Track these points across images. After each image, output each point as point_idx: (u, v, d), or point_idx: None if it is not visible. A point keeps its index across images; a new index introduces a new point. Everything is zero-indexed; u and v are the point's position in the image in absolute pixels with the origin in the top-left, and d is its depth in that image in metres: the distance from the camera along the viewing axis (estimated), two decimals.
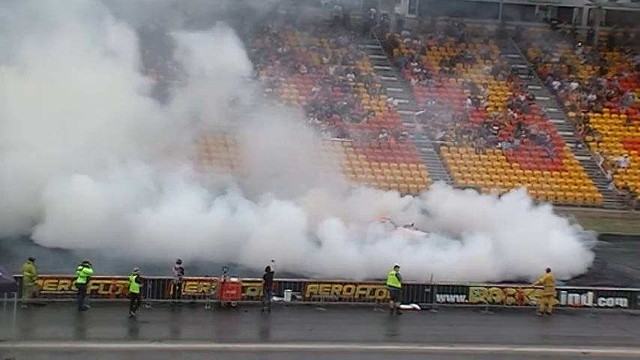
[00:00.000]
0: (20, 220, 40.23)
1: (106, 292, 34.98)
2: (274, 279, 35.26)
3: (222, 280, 35.12)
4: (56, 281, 34.68)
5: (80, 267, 33.90)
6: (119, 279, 35.08)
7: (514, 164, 55.56)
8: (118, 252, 36.82)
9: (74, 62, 43.83)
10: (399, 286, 35.61)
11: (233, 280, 35.31)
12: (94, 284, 34.60)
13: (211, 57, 45.25)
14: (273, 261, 35.18)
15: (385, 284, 35.94)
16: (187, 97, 46.28)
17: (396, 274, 35.57)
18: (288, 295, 36.14)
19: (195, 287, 35.56)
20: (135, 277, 33.67)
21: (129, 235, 38.45)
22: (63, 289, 34.52)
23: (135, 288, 33.61)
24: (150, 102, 45.41)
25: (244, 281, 35.71)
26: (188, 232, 38.18)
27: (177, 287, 35.22)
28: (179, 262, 35.22)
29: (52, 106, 43.18)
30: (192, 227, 38.62)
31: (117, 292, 34.96)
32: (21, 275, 33.00)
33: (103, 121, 42.96)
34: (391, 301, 35.67)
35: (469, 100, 60.41)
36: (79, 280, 33.81)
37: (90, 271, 33.84)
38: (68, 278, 34.44)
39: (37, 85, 43.71)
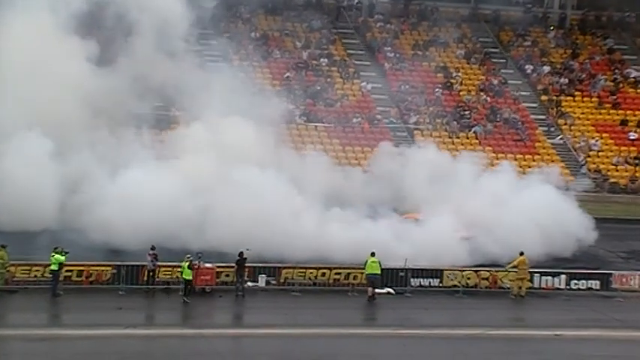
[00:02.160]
0: None
1: (79, 279, 34.80)
2: (247, 264, 35.24)
3: (197, 265, 35.03)
4: (29, 268, 34.46)
5: (52, 253, 33.71)
6: (93, 265, 34.98)
7: (487, 148, 55.64)
8: (72, 233, 36.43)
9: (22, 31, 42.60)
10: (380, 272, 35.58)
11: (207, 265, 35.24)
12: (68, 271, 34.39)
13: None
14: (248, 249, 35.11)
15: (364, 271, 35.76)
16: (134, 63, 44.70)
17: (378, 261, 35.50)
18: (262, 280, 36.13)
19: (169, 273, 35.47)
20: (187, 263, 34.06)
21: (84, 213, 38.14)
22: (36, 276, 34.34)
23: (188, 274, 34.02)
24: (100, 71, 44.16)
25: (218, 267, 35.66)
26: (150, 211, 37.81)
27: (151, 273, 35.14)
28: (153, 248, 35.11)
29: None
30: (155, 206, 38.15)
31: (91, 279, 34.84)
32: None
33: (54, 90, 41.90)
34: (370, 288, 35.53)
35: (442, 85, 60.48)
36: (52, 267, 33.66)
37: (62, 258, 33.66)
38: (41, 265, 34.23)
39: None
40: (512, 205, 41.43)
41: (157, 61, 45.13)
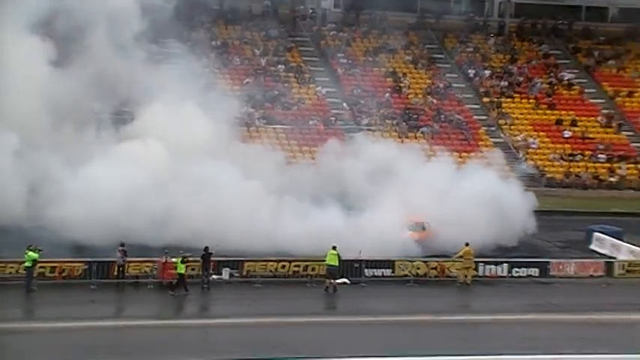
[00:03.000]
0: None
1: (52, 275, 34.41)
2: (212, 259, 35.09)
3: (164, 260, 34.81)
4: (4, 265, 34.00)
5: (26, 251, 33.30)
6: (65, 262, 34.63)
7: (434, 147, 55.91)
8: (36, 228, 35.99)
9: None
10: (337, 264, 35.52)
11: (173, 260, 35.02)
12: (41, 267, 33.99)
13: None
14: (217, 245, 34.92)
15: (325, 262, 35.61)
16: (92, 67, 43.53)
17: (337, 254, 35.44)
18: (226, 273, 35.96)
19: (138, 268, 35.20)
20: (181, 259, 34.02)
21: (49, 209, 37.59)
22: (11, 272, 33.88)
23: (181, 269, 33.91)
24: (60, 71, 42.99)
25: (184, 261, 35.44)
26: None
27: (120, 268, 34.86)
28: (122, 245, 34.86)
29: None
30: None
31: (63, 274, 34.48)
32: None
33: (15, 92, 40.84)
34: (327, 280, 35.43)
35: (391, 88, 60.68)
36: (26, 264, 33.27)
37: (35, 255, 33.30)
38: (16, 262, 33.77)
39: None
40: (457, 191, 41.32)
41: (113, 60, 43.89)
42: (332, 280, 35.47)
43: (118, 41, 44.12)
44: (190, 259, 35.19)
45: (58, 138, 41.76)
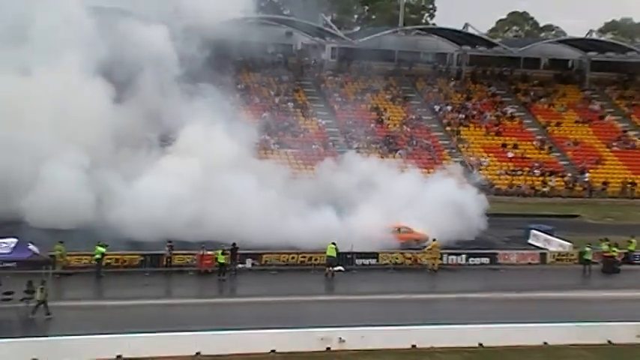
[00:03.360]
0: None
1: (116, 264, 34.41)
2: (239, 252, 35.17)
3: (201, 253, 34.88)
4: (80, 257, 34.09)
5: (96, 246, 33.45)
6: (126, 254, 34.66)
7: (409, 165, 55.98)
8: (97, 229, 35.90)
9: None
10: (335, 255, 35.50)
11: (209, 253, 35.09)
12: (108, 259, 34.13)
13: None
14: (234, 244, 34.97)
15: (326, 254, 35.46)
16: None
17: (335, 247, 35.37)
18: (249, 262, 35.98)
19: (182, 259, 35.26)
20: (221, 251, 33.74)
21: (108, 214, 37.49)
22: (85, 263, 33.96)
23: (222, 258, 33.68)
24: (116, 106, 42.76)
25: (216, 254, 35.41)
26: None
27: (168, 259, 34.93)
28: (170, 241, 34.93)
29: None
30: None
31: (124, 264, 34.50)
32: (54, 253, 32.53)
33: (88, 124, 40.49)
34: (328, 268, 35.35)
35: (375, 120, 60.85)
36: (96, 256, 33.39)
37: (102, 249, 33.39)
38: (89, 255, 33.87)
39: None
40: (425, 196, 41.19)
41: (159, 98, 43.67)
42: (330, 268, 35.51)
43: (163, 83, 43.92)
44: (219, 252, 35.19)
45: (118, 158, 41.79)
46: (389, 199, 40.54)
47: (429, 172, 52.96)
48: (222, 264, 34.11)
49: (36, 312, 27.72)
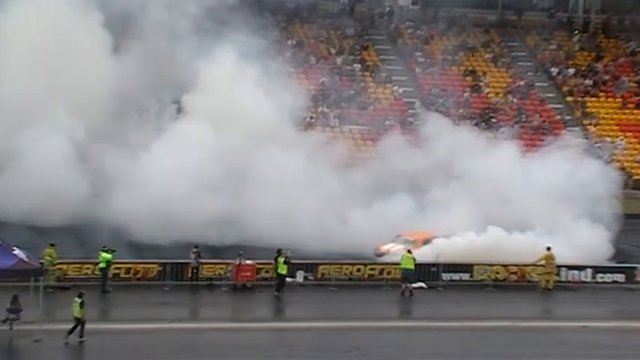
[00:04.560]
0: None
1: (127, 276, 35.02)
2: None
3: (238, 262, 35.18)
4: (80, 266, 34.75)
5: (100, 252, 34.01)
6: (140, 263, 35.26)
7: (513, 146, 55.14)
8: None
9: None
10: (413, 268, 35.47)
11: (248, 262, 35.35)
12: (116, 268, 34.69)
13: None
14: (291, 251, 35.14)
15: (400, 266, 35.48)
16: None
17: (413, 257, 35.36)
18: (300, 276, 36.16)
19: (212, 270, 35.63)
20: (284, 259, 34.09)
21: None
22: (87, 274, 34.60)
23: (283, 269, 34.00)
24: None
25: (259, 263, 35.73)
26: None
27: (194, 270, 35.34)
28: (196, 247, 35.31)
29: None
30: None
31: (137, 276, 35.07)
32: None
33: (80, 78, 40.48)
34: (404, 284, 35.29)
35: (470, 87, 60.31)
36: (101, 265, 33.97)
37: (109, 256, 33.97)
38: (92, 263, 34.53)
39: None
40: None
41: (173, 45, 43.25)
42: (407, 284, 35.39)
43: (178, 25, 43.23)
44: (263, 261, 35.42)
45: (120, 127, 40.99)
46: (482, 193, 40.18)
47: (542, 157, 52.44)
48: (282, 276, 34.27)
49: (72, 334, 28.31)
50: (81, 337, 28.49)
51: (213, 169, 38.84)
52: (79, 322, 28.48)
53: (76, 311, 28.52)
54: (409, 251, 35.51)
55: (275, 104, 42.02)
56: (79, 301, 28.56)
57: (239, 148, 39.64)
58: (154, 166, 38.81)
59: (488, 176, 41.01)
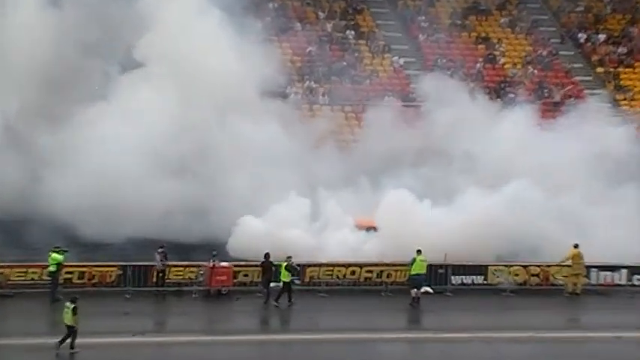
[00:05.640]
0: None
1: (81, 281, 35.13)
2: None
3: (211, 264, 35.30)
4: (25, 270, 34.83)
5: (50, 253, 34.02)
6: (96, 266, 35.37)
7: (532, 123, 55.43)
8: None
9: None
10: (425, 272, 35.62)
11: (223, 264, 35.47)
12: (68, 272, 34.82)
13: None
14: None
15: (409, 269, 35.64)
16: None
17: (425, 260, 35.44)
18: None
19: (181, 273, 35.79)
20: (285, 264, 34.38)
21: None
22: (33, 279, 34.69)
23: (285, 276, 34.31)
24: None
25: (235, 265, 35.87)
26: None
27: (160, 274, 35.46)
28: (162, 247, 35.42)
29: None
30: None
31: (93, 281, 35.14)
32: None
33: None
34: (414, 290, 35.31)
35: (484, 58, 60.51)
36: (51, 268, 33.98)
37: (60, 257, 33.96)
38: (39, 266, 34.61)
39: None
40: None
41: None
42: (416, 290, 35.37)
43: None
44: (241, 263, 35.62)
45: (59, 99, 41.06)
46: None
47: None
48: (285, 284, 34.52)
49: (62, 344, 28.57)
50: (72, 348, 28.67)
51: (174, 145, 38.88)
52: (72, 330, 28.63)
53: (68, 318, 28.70)
54: (419, 251, 35.50)
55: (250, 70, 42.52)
56: (72, 306, 28.73)
57: (207, 119, 39.71)
58: (100, 145, 39.01)
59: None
